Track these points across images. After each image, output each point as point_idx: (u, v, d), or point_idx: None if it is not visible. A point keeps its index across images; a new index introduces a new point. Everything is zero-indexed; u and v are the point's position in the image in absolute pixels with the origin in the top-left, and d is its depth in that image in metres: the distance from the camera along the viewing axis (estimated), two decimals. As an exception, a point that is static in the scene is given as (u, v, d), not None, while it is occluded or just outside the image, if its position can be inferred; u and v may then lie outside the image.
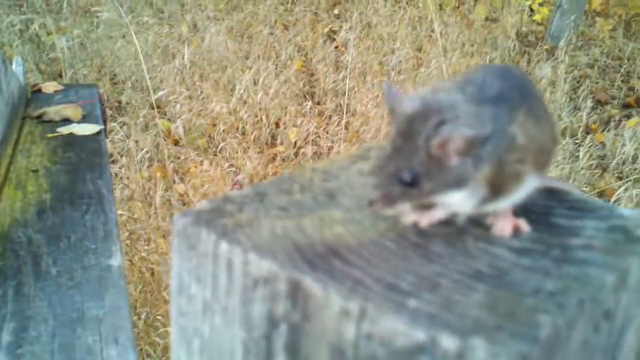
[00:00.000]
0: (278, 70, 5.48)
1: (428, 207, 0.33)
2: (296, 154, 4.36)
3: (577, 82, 5.95)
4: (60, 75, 5.16)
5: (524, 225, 0.32)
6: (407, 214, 0.32)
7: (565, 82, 5.53)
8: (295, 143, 4.49)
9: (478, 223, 0.33)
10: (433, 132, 0.31)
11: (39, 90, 1.94)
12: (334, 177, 0.37)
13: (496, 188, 0.32)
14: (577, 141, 4.66)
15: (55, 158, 1.34)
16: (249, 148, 4.31)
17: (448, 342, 0.23)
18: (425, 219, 0.32)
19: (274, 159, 4.33)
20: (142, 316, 2.62)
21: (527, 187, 0.34)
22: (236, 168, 4.01)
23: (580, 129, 4.78)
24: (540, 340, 0.23)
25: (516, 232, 0.32)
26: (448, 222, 0.33)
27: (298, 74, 5.46)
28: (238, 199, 0.34)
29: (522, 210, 0.34)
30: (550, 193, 0.37)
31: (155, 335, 2.57)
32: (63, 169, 1.26)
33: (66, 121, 1.63)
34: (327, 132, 4.64)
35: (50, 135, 1.49)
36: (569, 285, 0.27)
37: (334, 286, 0.26)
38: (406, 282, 0.27)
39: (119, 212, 2.75)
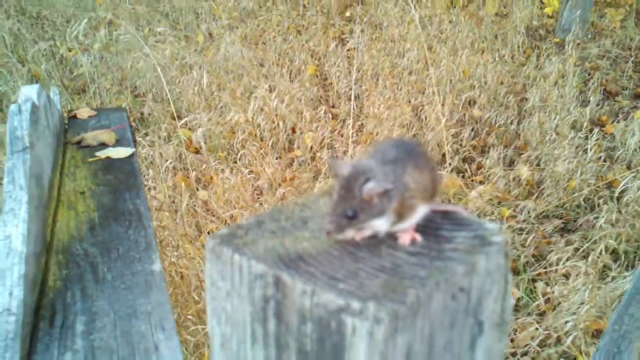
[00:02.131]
0: (292, 76, 5.66)
1: (361, 229, 0.53)
2: (312, 158, 4.55)
3: (588, 75, 6.05)
4: (84, 90, 5.41)
5: (418, 237, 0.53)
6: (348, 233, 0.53)
7: (574, 75, 5.64)
8: (311, 147, 4.67)
9: (392, 237, 0.53)
10: (362, 186, 0.52)
11: (75, 117, 2.17)
12: (307, 208, 0.58)
13: (400, 215, 0.53)
14: (584, 135, 4.77)
15: (97, 180, 1.56)
16: (267, 154, 4.49)
17: (355, 305, 0.43)
18: (359, 236, 0.53)
19: (291, 163, 4.52)
20: (174, 316, 2.83)
21: (419, 212, 0.54)
22: (255, 174, 4.21)
23: (585, 123, 4.88)
24: (407, 303, 0.44)
25: (413, 242, 0.52)
26: (373, 237, 0.53)
27: (312, 79, 5.64)
28: (245, 226, 0.54)
29: (422, 227, 0.54)
30: (446, 214, 0.57)
31: (187, 333, 2.79)
32: (105, 190, 1.49)
33: (102, 145, 1.86)
34: (341, 136, 4.82)
35: (90, 159, 1.71)
36: (433, 273, 0.47)
37: (299, 278, 0.47)
38: (340, 274, 0.47)
39: (149, 221, 2.97)
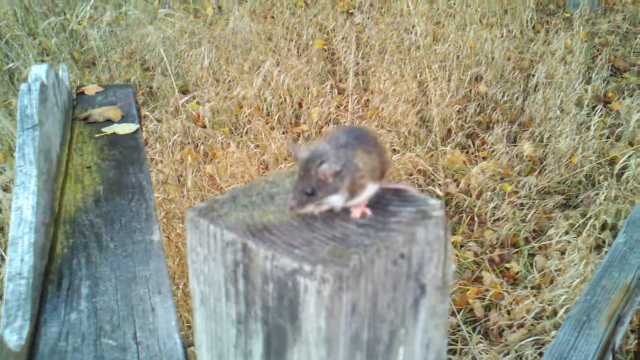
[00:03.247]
0: (300, 50, 5.69)
1: (319, 204, 0.62)
2: (318, 133, 4.61)
3: (597, 51, 6.04)
4: (94, 63, 5.48)
5: (368, 212, 0.61)
6: (308, 208, 0.61)
7: (581, 51, 5.63)
8: (317, 122, 4.72)
9: (347, 211, 0.62)
10: (318, 168, 0.60)
11: (82, 93, 2.25)
12: (276, 185, 0.66)
13: (352, 192, 0.62)
14: (587, 111, 4.80)
15: (103, 155, 1.65)
16: (273, 129, 4.55)
17: (307, 267, 0.52)
18: (317, 210, 0.61)
19: (297, 138, 4.59)
20: (181, 286, 2.94)
21: (369, 190, 0.63)
22: (262, 149, 4.28)
23: (588, 100, 4.89)
24: (349, 266, 0.52)
25: (363, 215, 0.61)
26: (330, 211, 0.62)
27: (319, 53, 5.66)
28: (221, 200, 0.63)
29: (374, 203, 0.63)
30: (397, 192, 0.65)
31: (192, 303, 2.89)
32: (110, 164, 1.58)
33: (108, 121, 1.94)
34: (347, 111, 4.87)
35: (97, 135, 1.80)
36: (376, 242, 0.55)
37: (262, 245, 0.55)
38: (297, 242, 0.56)
39: (155, 194, 3.07)
